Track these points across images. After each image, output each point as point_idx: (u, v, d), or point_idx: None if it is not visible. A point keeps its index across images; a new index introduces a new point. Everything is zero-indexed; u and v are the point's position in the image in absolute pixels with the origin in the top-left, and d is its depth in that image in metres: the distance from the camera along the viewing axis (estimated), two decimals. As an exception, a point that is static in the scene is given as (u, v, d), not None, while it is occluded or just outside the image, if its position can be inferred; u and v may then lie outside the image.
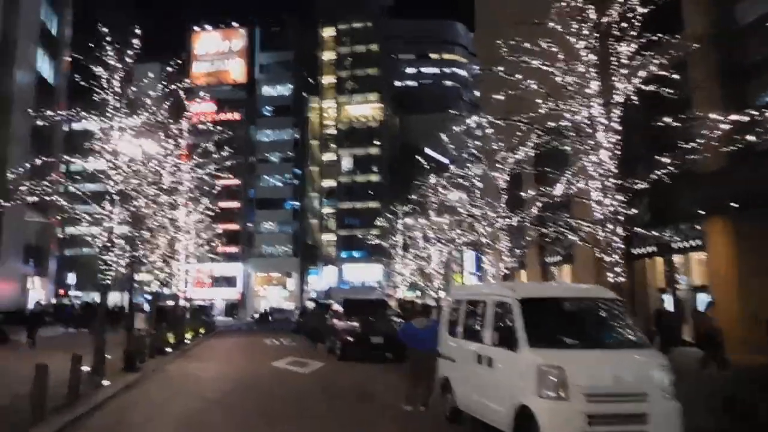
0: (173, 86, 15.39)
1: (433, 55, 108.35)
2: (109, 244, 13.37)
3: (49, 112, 16.48)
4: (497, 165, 21.80)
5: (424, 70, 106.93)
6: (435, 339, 9.14)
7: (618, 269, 13.41)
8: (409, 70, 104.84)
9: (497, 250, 21.67)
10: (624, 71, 13.29)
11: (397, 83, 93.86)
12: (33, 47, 35.96)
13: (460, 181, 22.35)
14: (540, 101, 14.08)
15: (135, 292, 25.48)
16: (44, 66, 38.42)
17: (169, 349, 19.92)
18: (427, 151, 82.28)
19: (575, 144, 14.29)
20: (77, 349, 11.11)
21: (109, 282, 13.51)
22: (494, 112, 21.78)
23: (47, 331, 25.69)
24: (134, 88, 14.25)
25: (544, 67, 14.24)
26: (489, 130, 21.69)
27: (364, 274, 72.65)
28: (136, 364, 14.32)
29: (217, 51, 78.70)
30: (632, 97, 13.30)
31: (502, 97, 15.93)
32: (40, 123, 24.74)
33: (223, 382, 12.73)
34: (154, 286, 19.71)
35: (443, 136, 22.29)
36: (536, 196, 16.85)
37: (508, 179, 22.03)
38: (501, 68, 15.47)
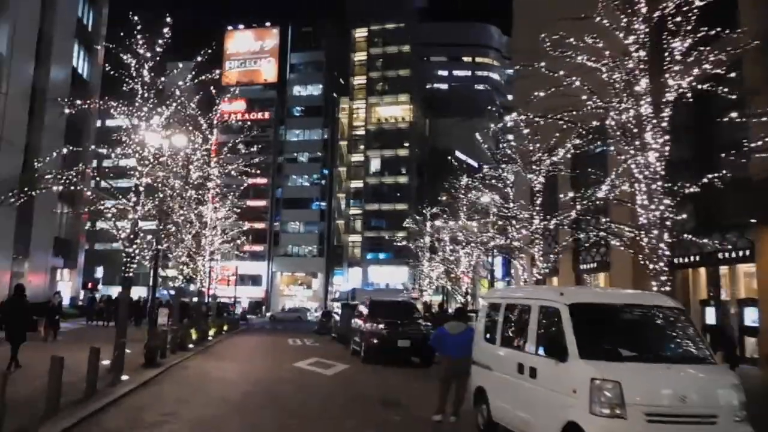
0: (204, 78, 14.96)
1: (466, 58, 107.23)
2: (132, 236, 13.06)
3: (78, 102, 16.30)
4: (533, 167, 21.11)
5: (455, 72, 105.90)
6: (470, 345, 8.53)
7: (663, 278, 12.62)
8: (441, 73, 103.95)
9: (530, 254, 20.92)
10: (677, 68, 12.55)
11: (428, 86, 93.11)
12: (69, 43, 36.31)
13: (493, 182, 21.65)
14: (584, 98, 13.40)
15: (159, 288, 25.46)
16: (80, 62, 38.82)
17: (191, 346, 19.65)
18: (457, 154, 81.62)
19: (620, 144, 13.57)
20: (99, 343, 10.83)
21: (131, 275, 13.20)
22: (532, 112, 21.04)
23: (70, 325, 25.76)
24: (164, 79, 13.93)
25: (590, 63, 13.58)
26: (525, 130, 20.97)
27: (389, 276, 72.03)
28: (157, 359, 14.01)
29: (249, 50, 79.13)
30: (686, 94, 12.56)
31: (542, 94, 15.27)
32: (71, 115, 24.66)
33: (243, 383, 12.28)
34: (177, 282, 19.42)
35: (477, 136, 21.56)
36: (576, 199, 16.10)
37: (544, 182, 21.33)
38: (542, 64, 14.82)
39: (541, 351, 6.23)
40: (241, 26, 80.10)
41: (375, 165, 76.08)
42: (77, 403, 8.78)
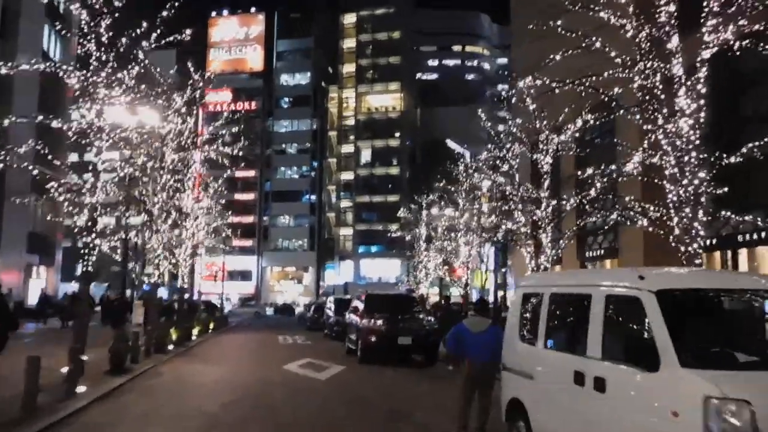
0: (174, 39, 13.07)
1: (456, 48, 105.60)
2: (90, 224, 11.24)
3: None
4: (540, 146, 19.47)
5: (446, 62, 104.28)
6: (497, 347, 6.86)
7: (697, 261, 11.04)
8: (431, 63, 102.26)
9: (537, 240, 19.29)
10: (713, 21, 10.94)
11: (419, 75, 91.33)
12: (39, 24, 34.16)
13: (498, 163, 20.01)
14: (604, 61, 11.83)
15: (146, 284, 23.59)
16: (51, 45, 36.66)
17: (171, 347, 17.88)
18: (449, 143, 79.96)
19: (645, 113, 11.97)
20: (60, 348, 9.10)
21: (89, 269, 11.39)
22: (538, 86, 19.40)
23: (35, 326, 23.84)
24: (125, 39, 12.03)
25: (614, 20, 11.95)
26: (532, 106, 19.31)
27: (381, 269, 70.46)
28: (125, 365, 12.22)
29: (234, 38, 76.92)
30: (728, 49, 10.97)
31: (558, 57, 13.59)
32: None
33: (224, 391, 10.53)
34: (154, 278, 17.59)
35: (480, 112, 19.83)
36: (594, 176, 14.47)
37: (551, 162, 19.74)
38: (558, 22, 13.14)
39: (615, 355, 4.55)
40: (225, 12, 77.80)
41: (366, 156, 74.29)
42: (7, 427, 7.02)
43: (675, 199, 11.23)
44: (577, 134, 19.57)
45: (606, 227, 22.48)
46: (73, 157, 42.78)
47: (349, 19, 75.48)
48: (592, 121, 18.75)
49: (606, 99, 13.17)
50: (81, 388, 9.76)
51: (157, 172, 17.30)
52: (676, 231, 11.18)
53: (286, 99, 76.39)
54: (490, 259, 26.25)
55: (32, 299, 30.52)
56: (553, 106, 20.33)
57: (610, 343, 4.71)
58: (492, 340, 7.13)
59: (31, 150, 12.00)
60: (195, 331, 23.30)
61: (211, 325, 28.88)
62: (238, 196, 71.68)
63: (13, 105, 29.03)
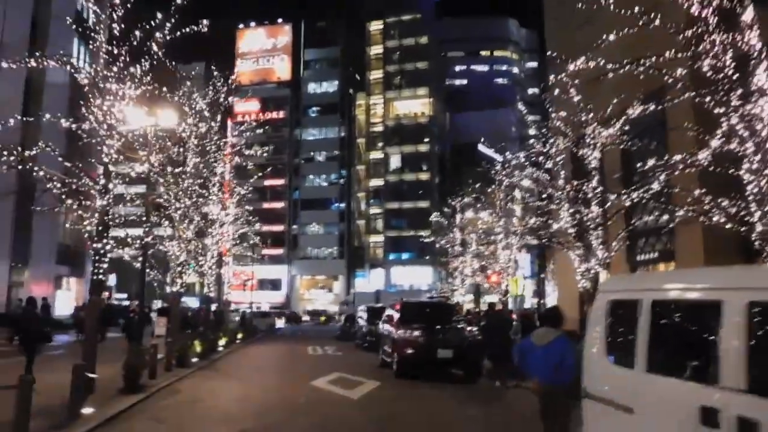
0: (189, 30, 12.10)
1: (484, 53, 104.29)
2: (101, 228, 10.27)
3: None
4: (587, 140, 18.01)
5: (474, 67, 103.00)
6: (558, 362, 5.61)
7: (786, 262, 9.51)
8: (459, 68, 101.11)
9: (586, 243, 17.79)
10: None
11: (447, 81, 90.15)
12: (68, 37, 34.01)
13: (540, 160, 18.59)
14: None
15: (162, 294, 22.78)
16: (81, 58, 36.53)
17: (195, 360, 16.89)
18: (481, 147, 78.32)
19: (715, 95, 10.50)
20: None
21: (102, 277, 10.41)
22: (573, 76, 18.01)
23: (67, 337, 23.10)
24: (139, 32, 11.10)
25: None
26: (576, 98, 17.88)
27: (413, 276, 69.10)
28: (140, 382, 11.18)
29: (262, 48, 76.84)
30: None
31: (612, 37, 12.29)
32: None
33: (243, 416, 9.33)
34: (176, 287, 16.63)
35: (520, 105, 18.45)
36: (656, 168, 13.00)
37: (600, 157, 18.26)
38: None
39: (764, 387, 3.22)
40: (252, 24, 77.90)
41: (395, 162, 73.15)
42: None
43: (756, 191, 9.77)
44: (626, 127, 18.10)
45: (669, 226, 20.81)
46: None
47: (376, 26, 74.73)
48: (640, 111, 17.31)
49: (669, 81, 11.72)
50: (87, 410, 8.74)
51: (178, 176, 16.45)
52: (759, 227, 9.72)
53: (314, 107, 75.85)
54: (525, 265, 24.72)
55: (61, 310, 30.10)
56: (599, 98, 18.85)
57: (760, 369, 3.37)
58: (555, 355, 5.83)
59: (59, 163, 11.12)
60: (222, 342, 22.37)
61: (239, 336, 27.95)
62: (267, 205, 71.28)
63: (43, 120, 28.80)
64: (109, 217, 10.48)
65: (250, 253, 36.24)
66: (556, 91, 18.49)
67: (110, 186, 10.38)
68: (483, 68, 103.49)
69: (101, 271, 10.34)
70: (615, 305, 5.11)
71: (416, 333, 13.64)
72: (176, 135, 15.44)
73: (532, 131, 22.29)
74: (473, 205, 27.13)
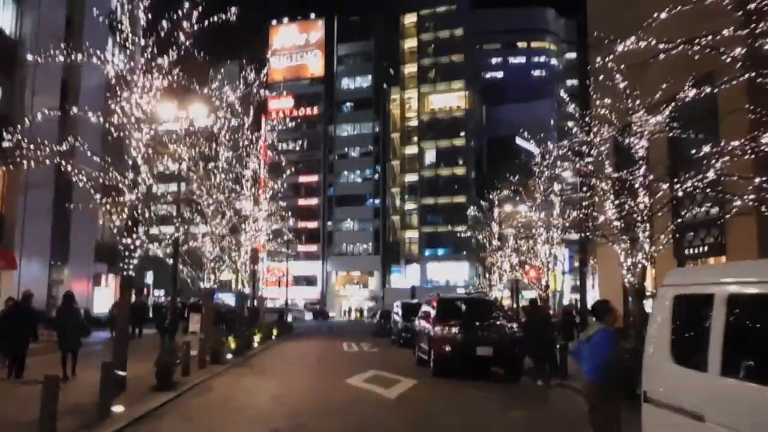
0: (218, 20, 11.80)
1: (521, 44, 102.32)
2: (130, 223, 10.07)
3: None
4: (634, 128, 17.13)
5: (511, 60, 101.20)
6: (594, 356, 5.16)
7: None
8: (495, 61, 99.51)
9: (633, 236, 16.93)
10: None
11: (484, 74, 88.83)
12: (102, 37, 34.45)
13: (584, 149, 17.78)
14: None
15: (198, 290, 22.73)
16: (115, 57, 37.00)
17: (229, 356, 16.74)
18: (519, 141, 76.83)
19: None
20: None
21: (131, 273, 10.22)
22: (619, 60, 17.17)
23: (105, 334, 23.31)
24: (167, 22, 10.86)
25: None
26: (622, 84, 17.02)
27: (449, 272, 68.32)
28: (173, 379, 10.98)
29: (295, 44, 76.98)
30: None
31: (664, 15, 11.56)
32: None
33: (275, 416, 8.99)
34: (209, 283, 16.47)
35: (562, 93, 17.69)
36: (714, 154, 12.14)
37: (647, 146, 17.36)
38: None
39: None
40: (285, 19, 78.08)
41: (430, 157, 72.44)
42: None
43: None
44: (674, 114, 17.14)
45: (721, 218, 19.70)
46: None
47: (410, 18, 74.05)
48: (695, 94, 16.37)
49: (726, 60, 10.87)
50: (118, 408, 8.52)
51: (210, 171, 16.29)
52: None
53: (348, 102, 75.64)
54: (564, 259, 23.80)
55: (99, 308, 30.54)
56: (645, 85, 17.92)
57: None
58: (597, 349, 5.39)
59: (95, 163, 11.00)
60: (257, 339, 22.26)
61: (275, 332, 27.88)
62: (302, 202, 71.53)
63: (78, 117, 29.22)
64: (139, 212, 10.27)
65: (285, 249, 36.20)
66: (601, 77, 17.71)
67: (139, 180, 10.17)
68: (520, 60, 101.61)
69: (131, 267, 10.14)
70: (681, 300, 4.51)
71: (454, 330, 13.11)
72: (207, 129, 15.26)
73: (571, 123, 21.51)
74: (512, 198, 26.31)
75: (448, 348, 12.97)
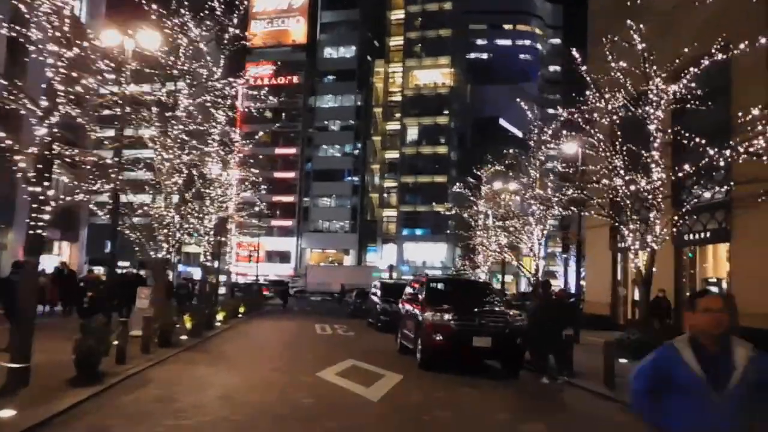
0: None
1: (507, 26, 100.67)
2: (40, 166, 7.73)
3: None
4: (650, 97, 15.19)
5: (497, 41, 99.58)
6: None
7: None
8: (481, 42, 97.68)
9: (642, 217, 15.07)
10: None
11: (469, 55, 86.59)
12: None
13: (594, 117, 15.77)
14: None
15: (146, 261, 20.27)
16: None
17: (184, 337, 14.54)
18: (502, 122, 74.98)
19: None
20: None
21: (40, 232, 7.89)
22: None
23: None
24: None
25: None
26: (640, 45, 15.00)
27: (426, 253, 66.71)
28: (98, 368, 8.74)
29: (277, 8, 73.52)
30: None
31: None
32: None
33: (222, 427, 6.81)
34: (162, 252, 14.14)
35: (575, 53, 15.64)
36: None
37: (662, 117, 15.49)
38: None
39: None
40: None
41: (412, 134, 70.20)
42: None
43: None
44: (692, 84, 15.23)
45: (704, 206, 18.02)
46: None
47: (398, -12, 71.22)
48: (724, 57, 14.53)
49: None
50: (6, 413, 6.28)
51: (167, 120, 13.88)
52: None
53: (330, 73, 72.65)
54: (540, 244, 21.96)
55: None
56: (664, 50, 15.98)
57: None
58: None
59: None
60: (219, 317, 20.06)
61: (241, 309, 25.68)
62: (278, 174, 68.85)
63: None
64: (54, 152, 7.92)
65: (256, 220, 33.80)
66: (616, 38, 15.62)
67: (55, 110, 7.81)
68: (506, 42, 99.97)
69: (41, 224, 7.81)
70: None
71: (446, 316, 11.08)
72: (160, 60, 12.83)
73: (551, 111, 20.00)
74: (505, 174, 24.33)
75: (439, 337, 10.95)
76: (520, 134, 67.96)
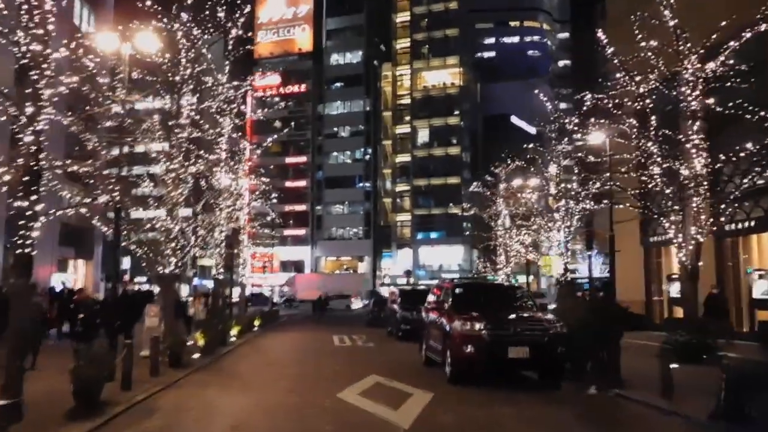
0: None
1: (513, 23, 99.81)
2: (27, 178, 6.96)
3: None
4: (685, 77, 14.19)
5: (504, 39, 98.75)
6: None
7: None
8: (488, 41, 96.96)
9: (688, 208, 14.02)
10: None
11: (477, 54, 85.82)
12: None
13: (624, 102, 14.77)
14: None
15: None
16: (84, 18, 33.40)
17: (196, 355, 13.73)
18: (514, 119, 73.84)
19: None
20: None
21: (29, 251, 7.10)
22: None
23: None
24: None
25: None
26: (672, 22, 14.01)
27: (442, 256, 65.68)
28: (98, 398, 7.91)
29: (282, 18, 73.15)
30: None
31: None
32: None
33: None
34: (169, 267, 13.35)
35: (601, 36, 14.71)
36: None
37: (700, 97, 14.45)
38: None
39: None
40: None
41: (423, 136, 69.36)
42: None
43: None
44: (730, 61, 14.19)
45: (746, 193, 16.91)
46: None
47: (402, -10, 70.50)
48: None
49: None
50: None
51: (171, 129, 13.15)
52: None
53: (338, 79, 72.01)
54: (560, 242, 20.95)
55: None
56: (697, 26, 14.95)
57: None
58: None
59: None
60: (234, 332, 19.23)
61: (257, 323, 24.87)
62: (290, 184, 68.27)
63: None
64: (42, 163, 7.15)
65: (269, 231, 33.06)
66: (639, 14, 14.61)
67: (41, 116, 7.04)
68: (513, 39, 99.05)
69: (30, 242, 7.03)
70: None
71: (478, 325, 10.12)
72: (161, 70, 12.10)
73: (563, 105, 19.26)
74: (524, 170, 23.33)
75: (470, 349, 9.99)
76: (533, 131, 67.12)
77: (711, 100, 14.08)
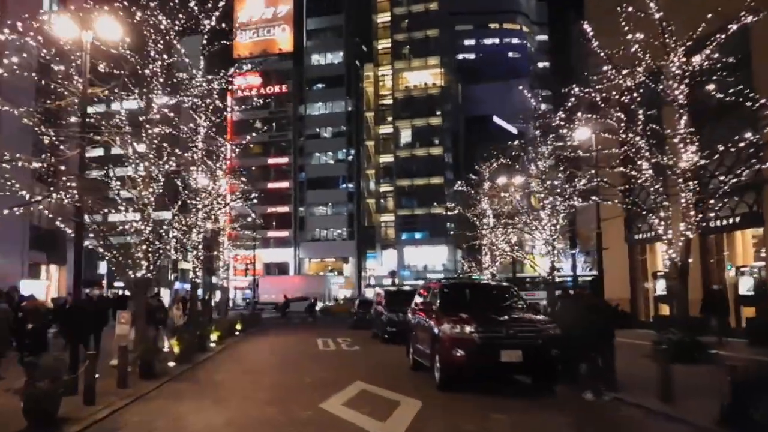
0: None
1: (493, 25, 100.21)
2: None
3: None
4: (672, 70, 13.87)
5: (484, 41, 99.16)
6: None
7: None
8: (468, 42, 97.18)
9: (677, 204, 13.66)
10: None
11: (457, 56, 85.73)
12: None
13: (612, 95, 14.37)
14: None
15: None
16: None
17: (172, 364, 13.01)
18: (496, 119, 73.77)
19: None
20: None
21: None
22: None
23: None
24: None
25: None
26: (657, 14, 13.67)
27: (427, 257, 65.29)
28: (55, 416, 7.21)
29: (262, 18, 72.16)
30: None
31: None
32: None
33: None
34: (140, 271, 12.60)
35: (588, 28, 14.33)
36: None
37: (687, 92, 14.17)
38: None
39: None
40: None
41: (405, 137, 68.86)
42: None
43: None
44: (716, 54, 13.90)
45: (731, 189, 16.65)
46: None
47: (383, -10, 69.95)
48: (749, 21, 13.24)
49: None
50: None
51: (141, 124, 12.44)
52: None
53: (319, 80, 71.25)
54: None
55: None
56: (683, 19, 14.63)
57: None
58: None
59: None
60: (214, 337, 18.48)
61: (238, 327, 24.12)
62: (272, 185, 67.39)
63: None
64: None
65: (251, 231, 32.28)
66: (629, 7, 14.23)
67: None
68: (493, 41, 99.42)
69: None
70: None
71: (468, 328, 9.57)
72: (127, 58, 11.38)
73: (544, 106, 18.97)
74: (508, 168, 22.91)
75: (460, 353, 9.44)
76: (514, 131, 67.17)
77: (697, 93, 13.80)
